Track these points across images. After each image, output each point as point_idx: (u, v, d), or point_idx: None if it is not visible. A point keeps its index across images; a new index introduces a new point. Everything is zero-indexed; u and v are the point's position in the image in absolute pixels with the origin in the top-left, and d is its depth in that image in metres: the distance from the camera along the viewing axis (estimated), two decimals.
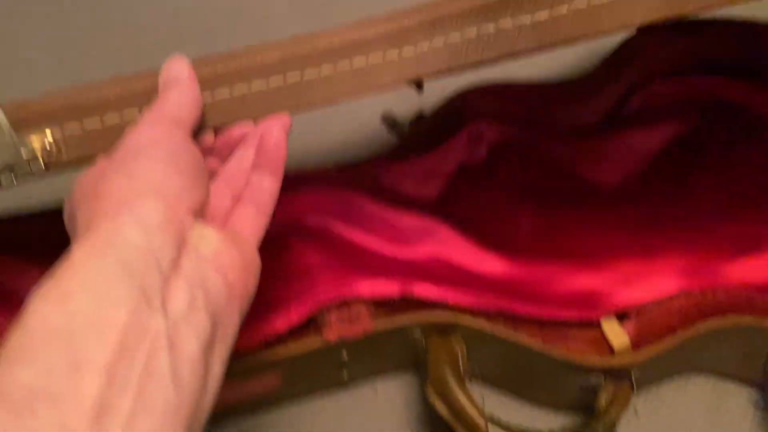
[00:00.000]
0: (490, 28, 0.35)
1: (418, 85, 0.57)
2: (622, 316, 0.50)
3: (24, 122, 0.33)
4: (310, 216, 0.52)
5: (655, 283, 0.53)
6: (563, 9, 0.35)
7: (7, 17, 0.67)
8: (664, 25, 0.62)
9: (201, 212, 0.30)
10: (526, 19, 0.35)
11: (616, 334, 0.48)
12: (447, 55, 0.36)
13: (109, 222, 0.26)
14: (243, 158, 0.36)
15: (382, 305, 0.48)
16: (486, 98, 0.59)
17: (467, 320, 0.48)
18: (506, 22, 0.35)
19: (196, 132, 0.34)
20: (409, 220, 0.53)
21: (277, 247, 0.50)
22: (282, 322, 0.46)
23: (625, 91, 0.62)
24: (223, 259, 0.28)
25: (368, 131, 0.62)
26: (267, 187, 0.35)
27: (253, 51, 0.35)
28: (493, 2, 0.35)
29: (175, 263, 0.26)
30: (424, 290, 0.48)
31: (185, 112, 0.32)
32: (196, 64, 0.34)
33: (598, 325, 0.49)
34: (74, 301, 0.23)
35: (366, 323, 0.46)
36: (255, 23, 0.64)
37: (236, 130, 0.36)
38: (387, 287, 0.48)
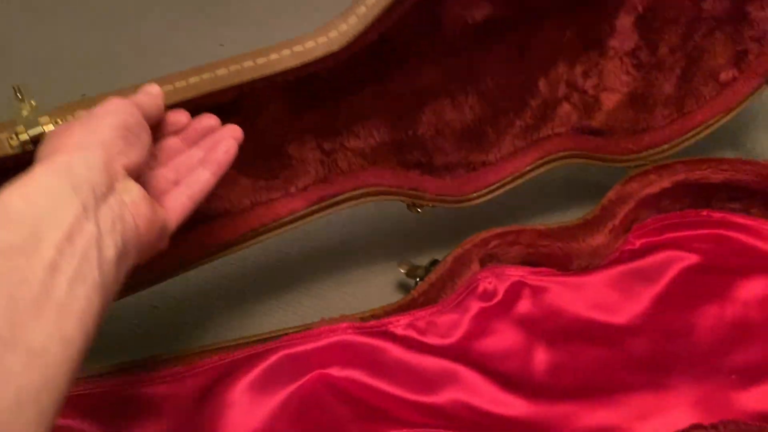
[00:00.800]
0: None
1: (417, 207, 0.62)
2: None
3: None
4: (336, 368, 0.55)
5: (670, 417, 0.55)
6: None
7: None
8: (654, 167, 0.68)
9: (134, 173, 0.39)
10: None
11: None
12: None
13: (66, 156, 0.35)
14: (193, 156, 0.44)
15: None
16: (497, 243, 0.63)
17: None
18: None
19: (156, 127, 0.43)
20: (431, 366, 0.56)
21: (309, 403, 0.53)
22: None
23: (623, 227, 0.67)
24: (138, 209, 0.37)
25: (386, 278, 0.67)
26: (204, 181, 0.43)
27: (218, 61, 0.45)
28: None
29: (105, 197, 0.35)
30: None
31: (146, 105, 0.41)
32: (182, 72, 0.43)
33: None
34: (36, 200, 0.32)
35: None
36: None
37: (204, 121, 0.45)
38: None
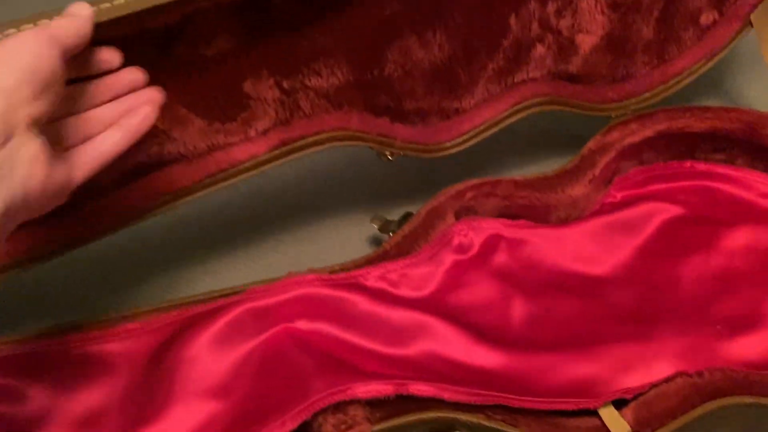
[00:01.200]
0: None
1: (389, 155, 0.59)
2: (620, 403, 0.49)
3: None
4: (303, 321, 0.52)
5: (654, 368, 0.53)
6: None
7: None
8: (636, 116, 0.66)
9: (40, 122, 0.35)
10: None
11: (616, 421, 0.48)
12: None
13: None
14: (111, 111, 0.41)
15: (380, 407, 0.48)
16: (473, 194, 0.61)
17: (466, 416, 0.48)
18: None
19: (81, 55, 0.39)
20: (402, 318, 0.54)
21: (273, 357, 0.50)
22: (278, 430, 0.45)
23: (604, 179, 0.64)
24: (33, 169, 0.35)
25: (359, 233, 0.64)
26: (116, 143, 0.41)
27: None
28: None
29: None
30: (420, 389, 0.48)
31: (66, 34, 0.37)
32: None
33: (597, 414, 0.48)
34: None
35: (363, 428, 0.46)
36: None
37: (133, 74, 0.42)
38: (382, 389, 0.48)
